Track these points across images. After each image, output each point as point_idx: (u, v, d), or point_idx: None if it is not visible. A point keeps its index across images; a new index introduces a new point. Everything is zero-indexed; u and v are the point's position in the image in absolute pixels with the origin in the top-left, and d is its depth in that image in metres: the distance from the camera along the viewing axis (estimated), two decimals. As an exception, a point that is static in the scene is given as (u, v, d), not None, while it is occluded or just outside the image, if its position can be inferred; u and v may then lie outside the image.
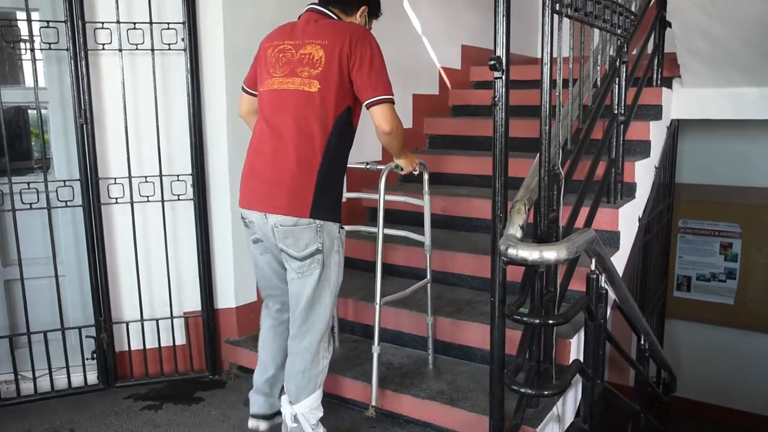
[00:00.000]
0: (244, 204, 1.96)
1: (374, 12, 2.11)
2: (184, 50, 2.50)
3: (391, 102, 1.87)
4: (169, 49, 2.50)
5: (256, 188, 1.92)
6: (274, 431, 2.13)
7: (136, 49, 2.47)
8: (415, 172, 2.24)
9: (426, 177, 2.34)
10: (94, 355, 2.58)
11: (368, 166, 2.30)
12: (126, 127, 2.49)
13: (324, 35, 1.88)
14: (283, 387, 2.06)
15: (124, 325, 2.61)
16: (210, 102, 2.60)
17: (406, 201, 2.51)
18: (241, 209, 1.98)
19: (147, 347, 2.65)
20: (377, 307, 2.12)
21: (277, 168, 1.86)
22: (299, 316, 1.94)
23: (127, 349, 2.64)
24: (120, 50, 2.45)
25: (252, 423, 2.13)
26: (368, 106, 1.86)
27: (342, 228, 1.97)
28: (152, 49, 2.47)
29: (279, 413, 2.10)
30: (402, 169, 2.21)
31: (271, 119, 1.91)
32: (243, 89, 2.12)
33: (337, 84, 1.84)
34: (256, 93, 2.05)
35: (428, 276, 2.39)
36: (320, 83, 1.84)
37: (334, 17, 1.98)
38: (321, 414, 2.03)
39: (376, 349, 2.14)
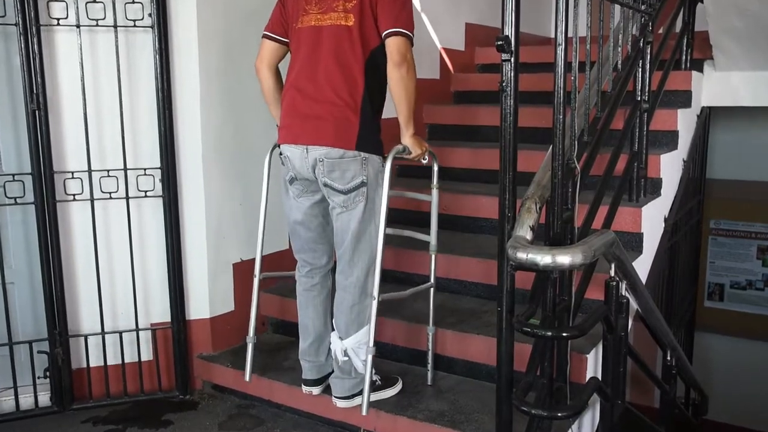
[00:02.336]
0: (286, 140, 2.22)
1: None
2: (152, 27, 2.51)
3: (410, 39, 2.08)
4: (135, 25, 2.50)
5: (299, 124, 2.17)
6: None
7: (97, 25, 2.47)
8: (423, 161, 2.29)
9: (435, 168, 2.39)
10: (47, 373, 2.58)
11: None
12: (85, 114, 2.50)
13: None
14: (329, 351, 2.35)
15: (83, 338, 2.62)
16: (181, 86, 2.61)
17: (414, 197, 2.53)
18: (281, 145, 2.24)
19: (108, 363, 2.65)
20: (374, 301, 2.16)
21: (321, 103, 2.13)
22: (346, 250, 2.23)
23: (85, 365, 2.64)
24: (78, 26, 2.45)
25: (305, 389, 2.41)
26: (386, 37, 2.07)
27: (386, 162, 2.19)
28: (115, 26, 2.48)
29: (329, 375, 2.37)
30: (410, 153, 2.23)
31: (311, 55, 2.16)
32: (267, 36, 2.29)
33: (370, 18, 2.10)
34: (284, 39, 2.26)
35: (432, 280, 2.42)
36: (355, 17, 2.10)
37: None
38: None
39: (371, 350, 2.18)
